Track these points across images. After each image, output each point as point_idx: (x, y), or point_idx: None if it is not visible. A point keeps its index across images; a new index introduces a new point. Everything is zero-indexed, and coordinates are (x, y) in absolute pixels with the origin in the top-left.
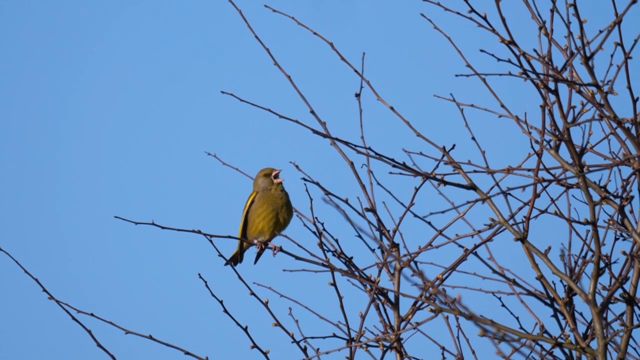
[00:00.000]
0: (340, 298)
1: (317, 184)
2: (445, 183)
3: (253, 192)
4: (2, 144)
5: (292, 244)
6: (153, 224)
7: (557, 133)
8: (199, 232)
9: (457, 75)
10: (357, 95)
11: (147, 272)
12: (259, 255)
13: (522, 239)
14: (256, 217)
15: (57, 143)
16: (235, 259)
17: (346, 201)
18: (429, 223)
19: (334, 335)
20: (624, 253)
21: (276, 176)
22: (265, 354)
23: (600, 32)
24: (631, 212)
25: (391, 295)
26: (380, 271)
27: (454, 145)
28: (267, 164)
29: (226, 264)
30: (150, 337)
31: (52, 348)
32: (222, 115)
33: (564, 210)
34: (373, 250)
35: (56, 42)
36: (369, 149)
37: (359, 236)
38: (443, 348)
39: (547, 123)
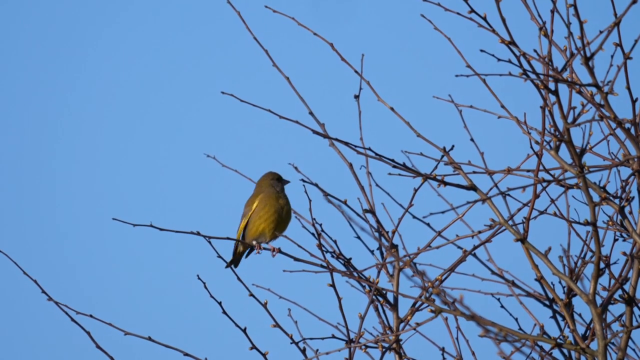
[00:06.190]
0: (339, 299)
1: (316, 185)
2: (446, 184)
3: (257, 195)
4: (0, 145)
5: (291, 245)
6: (151, 225)
7: (557, 134)
8: (198, 233)
9: (457, 76)
10: (356, 96)
11: (146, 274)
12: (250, 251)
13: (522, 239)
14: (257, 219)
15: (56, 144)
16: (236, 262)
17: (345, 202)
18: (428, 224)
19: (333, 337)
20: (624, 254)
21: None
22: (264, 355)
23: (600, 32)
24: (630, 212)
25: (390, 297)
26: (379, 272)
27: (453, 146)
28: (267, 165)
29: (227, 267)
30: (149, 339)
31: (51, 349)
32: (221, 116)
33: (564, 210)
34: (372, 252)
35: (54, 42)
36: (369, 149)
37: (358, 237)
38: (442, 349)
39: (547, 123)
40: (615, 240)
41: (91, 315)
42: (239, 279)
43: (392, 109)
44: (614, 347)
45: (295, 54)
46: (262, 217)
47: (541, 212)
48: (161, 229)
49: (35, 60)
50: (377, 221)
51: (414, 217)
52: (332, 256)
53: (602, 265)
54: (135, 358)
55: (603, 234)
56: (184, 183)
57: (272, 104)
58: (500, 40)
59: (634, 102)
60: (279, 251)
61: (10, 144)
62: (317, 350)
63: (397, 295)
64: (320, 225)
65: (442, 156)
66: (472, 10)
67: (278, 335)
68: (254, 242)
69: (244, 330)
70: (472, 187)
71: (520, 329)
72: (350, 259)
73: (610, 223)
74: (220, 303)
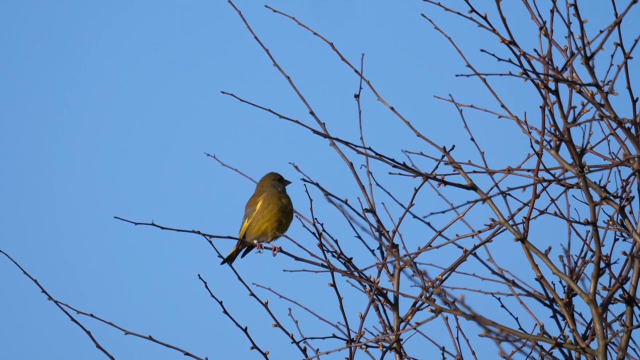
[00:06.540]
0: (340, 299)
1: (317, 184)
2: (446, 183)
3: (259, 194)
4: (1, 145)
5: (292, 244)
6: (153, 224)
7: (557, 133)
8: (199, 232)
9: (457, 75)
10: (356, 96)
11: (146, 273)
12: (246, 251)
13: (522, 239)
14: (260, 219)
15: (56, 143)
16: (231, 258)
17: (346, 202)
18: (428, 224)
19: (334, 336)
20: (624, 253)
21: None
22: (265, 354)
23: (601, 32)
24: (631, 212)
25: (391, 296)
26: (379, 272)
27: (454, 146)
28: (267, 165)
29: (223, 263)
30: (150, 338)
31: (52, 349)
32: (222, 116)
33: (564, 210)
34: (373, 251)
35: (54, 42)
36: (369, 149)
37: (359, 237)
38: (443, 349)
39: (547, 123)
40: (616, 239)
41: (91, 315)
42: (239, 278)
43: (392, 108)
44: (614, 346)
45: (295, 54)
46: (265, 217)
47: (541, 212)
48: (163, 228)
49: (36, 59)
50: (378, 221)
51: (415, 216)
52: (333, 256)
53: (602, 264)
54: (135, 358)
55: (603, 234)
56: (185, 182)
57: (272, 104)
58: (500, 40)
59: (634, 101)
60: (280, 250)
61: (10, 144)
62: (318, 349)
63: (398, 294)
64: (321, 224)
65: (443, 156)
66: (473, 10)
67: (279, 335)
68: (255, 241)
69: (245, 330)
70: (473, 187)
71: (520, 328)
72: (351, 258)
73: (610, 223)
74: (221, 302)
